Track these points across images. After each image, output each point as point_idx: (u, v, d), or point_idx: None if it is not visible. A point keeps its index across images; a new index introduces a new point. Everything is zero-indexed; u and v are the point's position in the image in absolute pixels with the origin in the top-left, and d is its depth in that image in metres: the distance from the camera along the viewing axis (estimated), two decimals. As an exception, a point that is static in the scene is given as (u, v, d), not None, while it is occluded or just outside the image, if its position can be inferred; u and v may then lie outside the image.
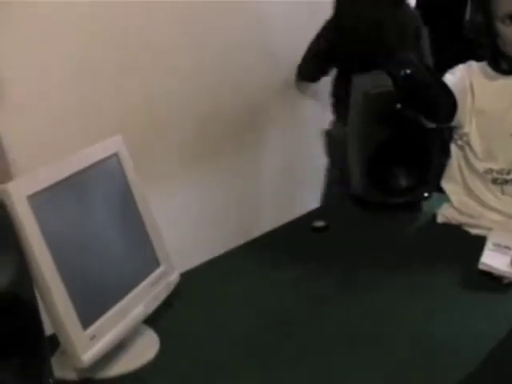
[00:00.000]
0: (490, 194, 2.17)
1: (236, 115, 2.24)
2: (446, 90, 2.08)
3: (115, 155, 1.67)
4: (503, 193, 2.14)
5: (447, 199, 2.31)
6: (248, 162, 2.34)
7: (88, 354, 1.44)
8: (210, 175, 2.19)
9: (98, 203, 1.59)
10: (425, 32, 2.59)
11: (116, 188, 1.67)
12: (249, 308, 1.87)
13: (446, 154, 2.31)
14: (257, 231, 2.30)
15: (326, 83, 2.62)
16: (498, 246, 1.93)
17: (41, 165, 1.54)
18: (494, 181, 2.15)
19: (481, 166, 2.18)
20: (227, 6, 2.14)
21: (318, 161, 2.68)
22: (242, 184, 2.33)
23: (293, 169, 2.56)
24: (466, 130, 2.21)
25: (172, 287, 1.74)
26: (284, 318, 1.81)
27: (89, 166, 1.58)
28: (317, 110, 2.62)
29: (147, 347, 1.67)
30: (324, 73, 2.64)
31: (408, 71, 1.93)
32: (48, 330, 1.43)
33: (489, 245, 1.95)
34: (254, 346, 1.69)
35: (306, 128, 2.57)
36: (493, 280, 1.86)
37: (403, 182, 2.36)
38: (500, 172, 2.14)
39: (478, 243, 2.00)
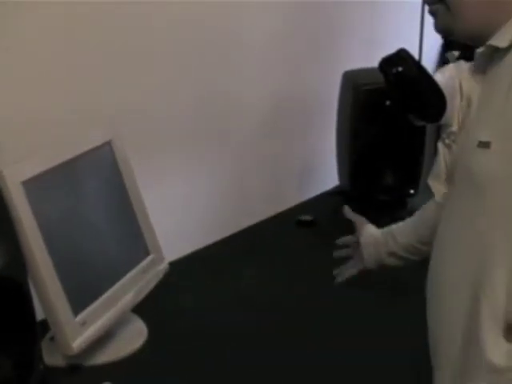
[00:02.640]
0: (475, 193, 2.19)
1: (224, 106, 2.25)
2: (436, 89, 2.09)
3: (108, 143, 1.68)
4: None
5: (432, 197, 2.32)
6: (234, 154, 2.34)
7: (78, 341, 1.45)
8: (196, 167, 2.19)
9: (90, 191, 1.60)
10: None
11: (108, 176, 1.68)
12: (236, 298, 1.89)
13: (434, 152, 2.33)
14: (244, 223, 2.32)
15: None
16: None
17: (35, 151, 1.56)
18: (481, 180, 2.17)
19: (467, 164, 2.20)
20: (227, 11, 2.16)
21: (305, 153, 2.69)
22: (229, 176, 2.34)
23: (279, 161, 2.56)
24: (453, 128, 2.22)
25: (161, 276, 1.76)
26: (271, 308, 1.83)
27: (82, 153, 1.59)
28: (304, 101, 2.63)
29: (135, 335, 1.68)
30: None
31: (400, 69, 1.93)
32: (38, 315, 1.44)
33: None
34: (241, 335, 1.71)
35: (293, 119, 2.57)
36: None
37: (390, 179, 2.37)
38: (486, 171, 2.15)
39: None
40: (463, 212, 1.17)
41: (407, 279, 1.81)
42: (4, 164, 1.45)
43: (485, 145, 1.09)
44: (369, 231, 1.72)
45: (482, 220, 1.12)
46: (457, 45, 2.31)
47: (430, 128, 2.34)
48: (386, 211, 2.39)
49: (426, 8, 1.24)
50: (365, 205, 2.37)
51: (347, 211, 1.81)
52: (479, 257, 1.12)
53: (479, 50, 1.18)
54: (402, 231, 1.65)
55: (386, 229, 1.70)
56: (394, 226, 1.68)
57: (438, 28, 1.23)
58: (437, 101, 2.13)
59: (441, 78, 2.20)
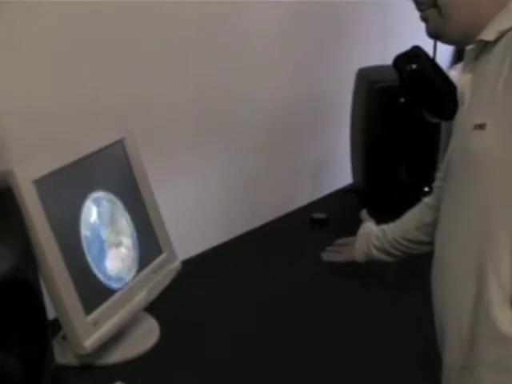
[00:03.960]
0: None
1: (237, 105, 2.24)
2: (450, 86, 2.07)
3: (120, 142, 1.67)
4: None
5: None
6: (247, 152, 2.33)
7: (90, 340, 1.44)
8: (209, 165, 2.19)
9: (102, 189, 1.59)
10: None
11: (120, 174, 1.67)
12: (248, 297, 1.88)
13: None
14: (257, 221, 2.31)
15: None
16: None
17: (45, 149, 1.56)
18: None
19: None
20: (238, 9, 2.15)
21: (318, 151, 2.68)
22: (242, 174, 2.33)
23: (292, 159, 2.56)
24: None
25: (173, 275, 1.75)
26: (284, 307, 1.82)
27: (94, 151, 1.58)
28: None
29: (147, 334, 1.67)
30: None
31: (414, 66, 1.92)
32: (50, 314, 1.44)
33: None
34: (254, 334, 1.70)
35: (306, 117, 2.56)
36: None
37: (404, 176, 2.36)
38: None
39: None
40: (463, 191, 1.22)
41: (411, 277, 1.85)
42: (15, 162, 1.45)
43: (481, 127, 1.15)
44: (367, 225, 1.88)
45: (483, 195, 1.17)
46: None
47: (444, 125, 2.32)
48: (400, 209, 2.38)
49: (420, 15, 1.30)
50: (379, 203, 2.37)
51: (363, 215, 1.94)
52: (482, 232, 1.17)
53: (469, 46, 1.25)
54: (392, 227, 1.78)
55: (382, 225, 1.82)
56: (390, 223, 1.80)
57: (430, 32, 1.30)
58: (451, 98, 2.11)
59: (455, 74, 2.19)
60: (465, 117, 1.26)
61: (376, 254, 1.79)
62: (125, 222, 1.64)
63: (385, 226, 1.80)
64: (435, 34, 1.30)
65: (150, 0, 1.86)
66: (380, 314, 1.78)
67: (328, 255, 1.95)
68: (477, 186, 1.18)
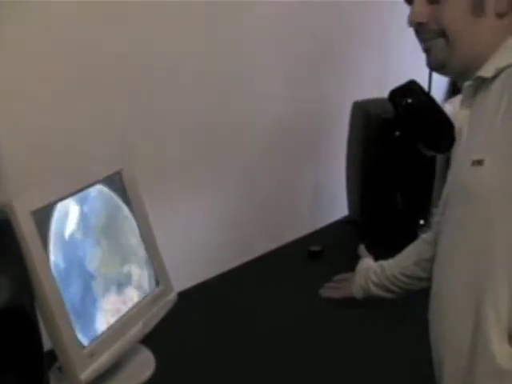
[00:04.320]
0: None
1: (233, 135, 2.25)
2: (446, 120, 2.09)
3: (118, 173, 1.68)
4: None
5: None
6: (244, 184, 2.34)
7: (86, 373, 1.44)
8: (205, 197, 2.19)
9: (100, 220, 1.60)
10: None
11: (118, 205, 1.67)
12: (244, 329, 1.87)
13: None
14: (254, 253, 2.31)
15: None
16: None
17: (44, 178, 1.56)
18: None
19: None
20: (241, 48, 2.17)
21: (314, 182, 2.69)
22: (239, 206, 2.34)
23: (290, 190, 2.57)
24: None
25: (170, 306, 1.75)
26: (280, 340, 1.82)
27: (92, 182, 1.59)
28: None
29: (143, 367, 1.67)
30: None
31: (409, 100, 1.93)
32: (45, 345, 1.43)
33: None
34: (249, 367, 1.70)
35: (302, 148, 2.57)
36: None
37: (400, 208, 2.36)
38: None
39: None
40: (462, 226, 1.23)
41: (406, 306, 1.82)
42: (12, 193, 1.45)
43: (479, 162, 1.16)
44: (365, 260, 1.87)
45: (481, 231, 1.18)
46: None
47: (440, 157, 2.33)
48: (396, 241, 2.38)
49: (422, 46, 1.29)
50: (375, 234, 2.38)
51: (361, 250, 1.93)
52: (480, 267, 1.18)
53: (467, 83, 1.27)
54: (390, 263, 1.77)
55: (380, 261, 1.81)
56: (389, 259, 1.78)
57: (434, 62, 1.29)
58: (446, 131, 2.13)
59: (450, 108, 2.20)
60: (462, 152, 1.26)
61: (374, 290, 1.78)
62: (122, 254, 1.64)
63: (383, 262, 1.80)
64: (438, 65, 1.29)
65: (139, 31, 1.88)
66: (378, 348, 1.78)
67: (326, 291, 1.93)
68: (475, 221, 1.19)
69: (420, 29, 1.28)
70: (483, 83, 1.23)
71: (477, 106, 1.25)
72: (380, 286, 1.77)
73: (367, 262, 1.86)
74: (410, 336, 1.74)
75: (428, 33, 1.26)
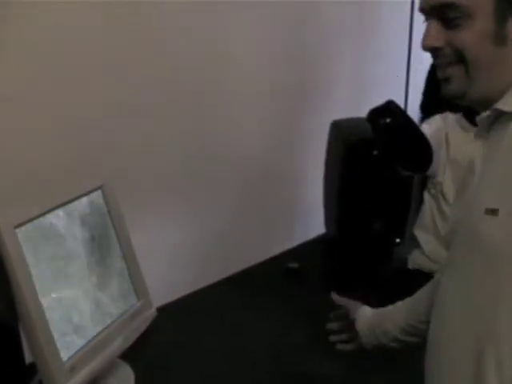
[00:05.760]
0: (462, 244, 2.20)
1: (213, 156, 2.27)
2: (423, 141, 2.12)
3: (100, 188, 1.69)
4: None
5: (419, 246, 2.35)
6: (222, 202, 2.36)
7: (66, 387, 1.44)
8: (184, 214, 2.21)
9: (82, 235, 1.60)
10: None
11: (99, 221, 1.68)
12: (222, 345, 1.88)
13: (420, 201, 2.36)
14: (231, 269, 2.32)
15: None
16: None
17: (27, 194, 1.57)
18: (467, 230, 2.19)
19: (453, 215, 2.22)
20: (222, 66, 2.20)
21: (292, 201, 2.72)
22: (217, 223, 2.35)
23: (267, 207, 2.59)
24: (439, 179, 2.26)
25: (149, 322, 1.75)
26: (258, 355, 1.84)
27: (74, 197, 1.60)
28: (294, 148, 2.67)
29: (123, 381, 1.67)
30: None
31: (388, 120, 1.96)
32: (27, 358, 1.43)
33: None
34: (228, 381, 1.71)
35: (281, 168, 2.60)
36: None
37: (377, 227, 2.38)
38: (472, 222, 2.17)
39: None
40: (471, 275, 1.15)
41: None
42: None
43: (493, 212, 1.08)
44: (363, 316, 1.62)
45: (493, 283, 1.10)
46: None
47: (417, 178, 2.37)
48: (372, 259, 2.41)
49: (440, 73, 1.19)
50: (352, 252, 2.40)
51: (336, 298, 1.71)
52: (486, 317, 1.12)
53: (485, 113, 1.18)
54: (401, 310, 1.55)
55: (380, 310, 1.61)
56: (390, 308, 1.59)
57: (452, 92, 1.18)
58: (424, 152, 2.17)
59: (428, 129, 2.24)
60: (475, 195, 1.16)
61: (387, 343, 1.57)
62: (102, 269, 1.65)
63: (390, 312, 1.57)
64: (458, 95, 1.18)
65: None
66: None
67: (340, 345, 1.68)
68: (488, 273, 1.11)
69: (435, 53, 1.18)
70: (501, 116, 1.16)
71: (493, 142, 1.17)
72: (397, 341, 1.55)
73: (367, 319, 1.61)
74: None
75: (446, 56, 1.16)
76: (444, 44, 1.15)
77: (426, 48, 1.17)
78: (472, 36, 1.11)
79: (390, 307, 1.59)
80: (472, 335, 1.14)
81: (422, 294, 1.52)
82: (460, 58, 1.13)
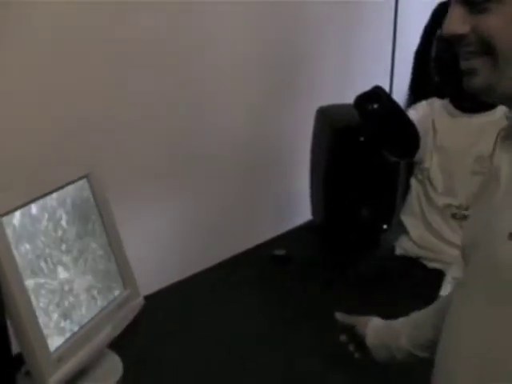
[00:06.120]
0: (448, 229, 2.21)
1: (199, 143, 2.26)
2: (410, 126, 2.12)
3: (85, 177, 1.67)
4: (462, 228, 2.17)
5: (406, 232, 2.35)
6: (209, 189, 2.35)
7: (54, 377, 1.42)
8: (171, 202, 2.20)
9: (68, 224, 1.59)
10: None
11: (85, 209, 1.66)
12: (210, 333, 1.88)
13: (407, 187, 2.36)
14: (218, 257, 2.32)
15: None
16: (457, 280, 1.96)
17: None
18: (454, 216, 2.19)
19: (440, 200, 2.22)
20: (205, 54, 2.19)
21: (279, 188, 2.71)
22: (204, 211, 2.34)
23: (254, 195, 2.58)
24: (426, 165, 2.26)
25: (137, 311, 1.74)
26: (245, 344, 1.83)
27: (60, 186, 1.58)
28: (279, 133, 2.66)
29: (111, 371, 1.66)
30: None
31: (375, 106, 1.95)
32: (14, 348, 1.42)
33: (448, 278, 1.99)
34: (215, 374, 1.70)
35: (268, 155, 2.59)
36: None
37: (364, 214, 2.38)
38: (459, 207, 2.18)
39: (436, 276, 2.05)
40: (480, 307, 1.05)
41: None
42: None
43: None
44: (374, 332, 1.50)
45: (503, 322, 1.00)
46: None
47: (403, 164, 2.36)
48: (359, 245, 2.41)
49: (463, 64, 1.02)
50: (339, 239, 2.40)
51: (341, 317, 1.56)
52: (501, 346, 1.01)
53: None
54: (417, 326, 1.42)
55: (394, 325, 1.48)
56: (401, 320, 1.46)
57: (477, 86, 1.01)
58: (411, 138, 2.17)
59: (414, 115, 2.24)
60: (498, 210, 1.03)
61: (400, 357, 1.44)
62: (89, 257, 1.63)
63: (404, 328, 1.44)
64: (484, 89, 1.01)
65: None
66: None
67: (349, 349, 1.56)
68: (505, 303, 0.99)
69: (456, 42, 1.01)
70: None
71: None
72: (412, 357, 1.42)
73: (379, 334, 1.49)
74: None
75: (468, 46, 1.00)
76: (469, 30, 0.99)
77: (447, 35, 1.02)
78: (501, 21, 0.96)
79: (401, 319, 1.46)
80: (479, 371, 1.03)
81: (430, 311, 1.41)
82: (486, 49, 0.97)
